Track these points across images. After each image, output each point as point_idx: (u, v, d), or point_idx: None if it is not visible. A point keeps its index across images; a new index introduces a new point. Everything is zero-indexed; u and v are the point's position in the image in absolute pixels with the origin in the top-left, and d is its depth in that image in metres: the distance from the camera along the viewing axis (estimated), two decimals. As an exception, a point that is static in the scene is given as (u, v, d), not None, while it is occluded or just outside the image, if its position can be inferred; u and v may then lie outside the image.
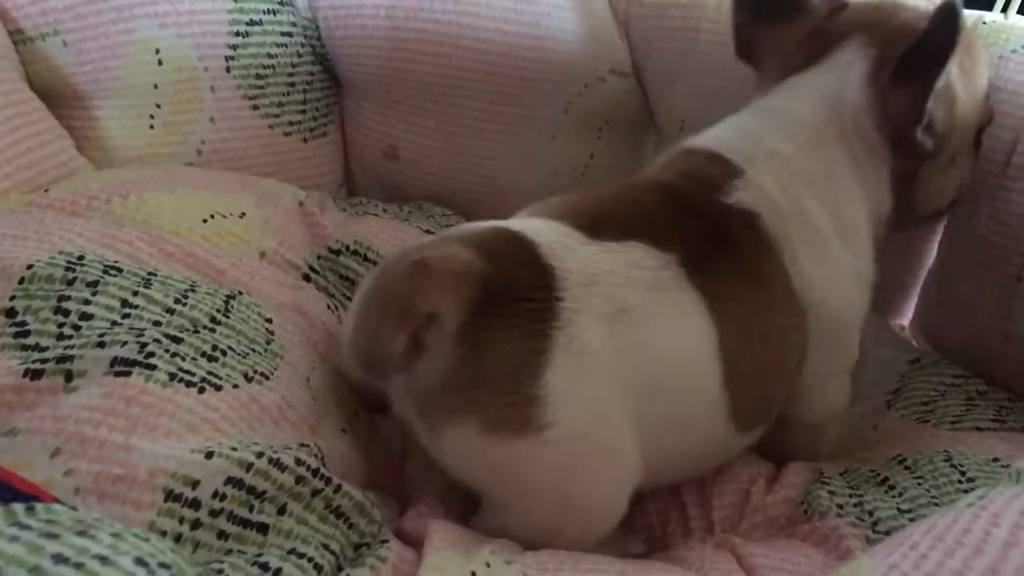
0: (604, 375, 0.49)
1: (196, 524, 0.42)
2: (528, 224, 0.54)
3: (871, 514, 0.54)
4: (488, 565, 0.46)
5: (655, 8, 0.81)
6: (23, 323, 0.48)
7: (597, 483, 0.51)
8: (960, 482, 0.55)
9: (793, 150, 0.59)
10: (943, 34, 0.53)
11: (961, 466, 0.56)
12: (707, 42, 0.79)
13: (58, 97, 0.73)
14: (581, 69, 0.82)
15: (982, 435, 0.62)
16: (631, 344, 0.50)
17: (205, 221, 0.63)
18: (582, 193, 0.61)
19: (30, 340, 0.48)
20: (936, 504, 0.53)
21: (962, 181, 0.66)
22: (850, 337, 0.62)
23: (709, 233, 0.55)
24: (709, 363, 0.53)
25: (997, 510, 0.35)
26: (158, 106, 0.75)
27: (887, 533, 0.50)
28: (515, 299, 0.48)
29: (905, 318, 0.84)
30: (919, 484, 0.56)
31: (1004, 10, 1.04)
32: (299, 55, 0.81)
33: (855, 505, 0.55)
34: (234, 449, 0.44)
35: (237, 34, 0.77)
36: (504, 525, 0.52)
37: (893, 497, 0.55)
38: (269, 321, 0.58)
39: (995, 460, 0.57)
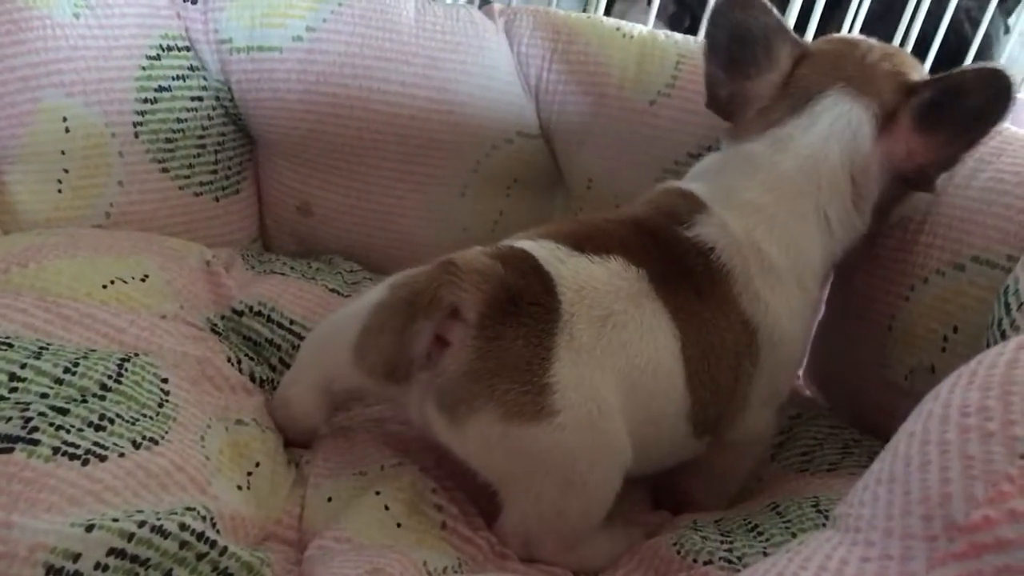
0: (599, 371, 0.56)
1: (78, 596, 0.43)
2: (522, 244, 0.60)
3: (740, 559, 0.57)
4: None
5: (564, 74, 0.85)
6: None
7: (596, 466, 0.56)
8: (823, 525, 0.58)
9: (768, 200, 0.64)
10: (996, 103, 0.61)
11: (826, 511, 0.60)
12: (613, 107, 0.84)
13: (-35, 163, 0.73)
14: (488, 131, 0.85)
15: (852, 479, 0.66)
16: (617, 345, 0.57)
17: (105, 287, 0.64)
18: (562, 222, 0.67)
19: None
20: (798, 549, 0.57)
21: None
22: (791, 370, 0.68)
23: (669, 260, 0.62)
24: (676, 366, 0.59)
25: (808, 553, 0.39)
26: (66, 171, 0.75)
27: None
28: (525, 302, 0.55)
29: (800, 368, 0.89)
30: (786, 529, 0.59)
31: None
32: (210, 117, 0.83)
33: (726, 550, 0.58)
34: (116, 520, 0.46)
35: (145, 100, 0.78)
36: (520, 517, 0.58)
37: (761, 543, 0.58)
38: (165, 381, 0.60)
39: (861, 504, 0.61)
